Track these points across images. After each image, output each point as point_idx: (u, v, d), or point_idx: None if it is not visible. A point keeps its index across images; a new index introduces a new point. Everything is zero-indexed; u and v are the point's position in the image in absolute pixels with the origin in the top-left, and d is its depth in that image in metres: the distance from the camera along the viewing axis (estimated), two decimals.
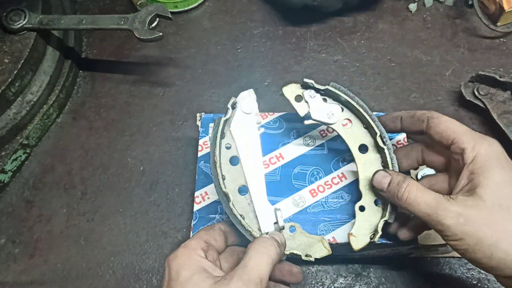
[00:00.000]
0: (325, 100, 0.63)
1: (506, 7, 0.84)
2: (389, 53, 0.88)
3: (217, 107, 0.83)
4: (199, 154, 0.68)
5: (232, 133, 0.59)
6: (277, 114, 0.70)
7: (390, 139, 0.61)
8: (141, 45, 0.90)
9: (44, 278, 0.72)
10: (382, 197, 0.58)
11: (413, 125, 0.57)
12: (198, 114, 0.71)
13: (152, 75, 0.88)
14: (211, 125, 0.69)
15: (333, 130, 0.63)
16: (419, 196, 0.51)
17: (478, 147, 0.51)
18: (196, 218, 0.63)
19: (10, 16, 0.77)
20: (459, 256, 0.69)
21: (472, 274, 0.70)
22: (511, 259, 0.47)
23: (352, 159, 0.64)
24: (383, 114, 0.63)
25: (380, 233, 0.57)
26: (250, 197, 0.58)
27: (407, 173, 0.62)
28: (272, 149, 0.68)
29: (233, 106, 0.59)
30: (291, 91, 0.63)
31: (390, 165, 0.59)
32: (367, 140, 0.62)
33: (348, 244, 0.62)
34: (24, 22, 0.77)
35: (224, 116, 0.58)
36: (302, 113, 0.62)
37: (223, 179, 0.56)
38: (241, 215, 0.55)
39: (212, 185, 0.65)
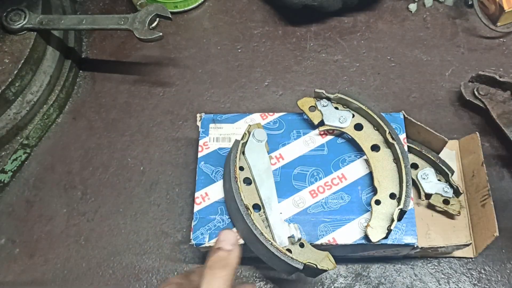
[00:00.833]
0: (336, 108, 0.68)
1: (506, 7, 0.84)
2: (389, 53, 0.88)
3: (217, 107, 0.83)
4: (199, 154, 0.68)
5: (246, 156, 0.65)
6: (277, 115, 0.70)
7: None
8: (141, 45, 0.90)
9: (44, 278, 0.72)
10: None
11: None
12: (198, 115, 0.71)
13: (152, 75, 0.88)
14: (211, 125, 0.69)
15: (346, 133, 0.67)
16: None
17: None
18: (197, 219, 0.63)
19: (10, 16, 0.77)
20: (459, 256, 0.70)
21: (472, 274, 0.70)
22: None
23: (352, 160, 0.66)
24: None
25: (396, 221, 0.59)
26: (264, 214, 0.62)
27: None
28: (272, 149, 0.68)
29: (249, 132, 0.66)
30: (305, 103, 0.69)
31: (400, 158, 0.63)
32: (379, 139, 0.66)
33: (347, 245, 0.62)
34: (24, 22, 0.77)
35: (241, 139, 0.65)
36: (316, 121, 0.68)
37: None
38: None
39: (212, 185, 0.66)
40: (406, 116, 0.69)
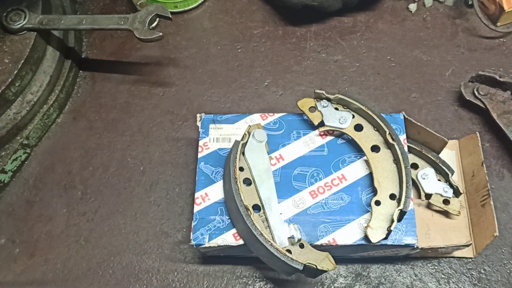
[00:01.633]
0: (336, 109, 0.68)
1: (506, 7, 0.84)
2: (389, 53, 0.88)
3: (217, 107, 0.83)
4: (199, 155, 0.68)
5: (246, 157, 0.65)
6: (277, 115, 0.70)
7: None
8: (141, 45, 0.90)
9: (44, 278, 0.72)
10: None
11: None
12: (198, 115, 0.71)
13: (152, 75, 0.88)
14: (211, 126, 0.70)
15: (346, 134, 0.67)
16: None
17: None
18: (197, 219, 0.63)
19: (10, 16, 0.77)
20: (459, 256, 0.70)
21: (472, 274, 0.70)
22: None
23: (352, 161, 0.66)
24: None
25: (396, 221, 0.59)
26: (264, 215, 0.62)
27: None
28: (272, 150, 0.68)
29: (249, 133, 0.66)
30: (305, 103, 0.69)
31: (401, 159, 0.63)
32: (379, 139, 0.66)
33: (347, 246, 0.62)
34: (24, 22, 0.77)
35: (241, 140, 0.65)
36: (316, 121, 0.68)
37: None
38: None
39: (212, 186, 0.66)
40: (406, 116, 0.69)
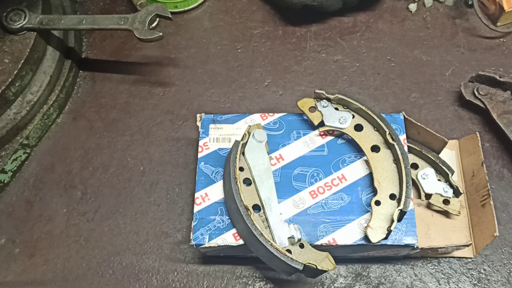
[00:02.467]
0: (336, 109, 0.68)
1: (506, 7, 0.84)
2: (389, 53, 0.88)
3: (217, 107, 0.83)
4: (199, 155, 0.68)
5: (246, 157, 0.65)
6: (277, 115, 0.70)
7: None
8: (141, 45, 0.90)
9: (44, 278, 0.72)
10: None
11: None
12: (198, 115, 0.71)
13: (152, 75, 0.88)
14: (211, 126, 0.70)
15: (346, 134, 0.67)
16: None
17: None
18: (197, 219, 0.63)
19: (10, 16, 0.77)
20: (459, 256, 0.70)
21: (472, 274, 0.70)
22: None
23: (352, 161, 0.66)
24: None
25: (396, 221, 0.59)
26: (264, 215, 0.62)
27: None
28: (272, 150, 0.68)
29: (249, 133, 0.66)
30: (305, 103, 0.69)
31: (401, 159, 0.63)
32: (379, 139, 0.66)
33: (347, 246, 0.62)
34: (24, 22, 0.77)
35: (241, 140, 0.65)
36: (316, 121, 0.68)
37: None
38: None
39: (212, 186, 0.66)
40: (406, 116, 0.69)
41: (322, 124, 0.68)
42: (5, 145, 0.77)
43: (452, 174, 0.70)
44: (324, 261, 0.59)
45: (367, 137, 0.67)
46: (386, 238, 0.61)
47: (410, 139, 0.71)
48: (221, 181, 0.66)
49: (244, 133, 0.65)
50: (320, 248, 0.61)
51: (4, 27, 0.77)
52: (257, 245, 0.59)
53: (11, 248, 0.74)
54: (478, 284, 0.69)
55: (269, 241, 0.58)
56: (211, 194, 0.65)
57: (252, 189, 0.64)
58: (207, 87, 0.86)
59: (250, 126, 0.67)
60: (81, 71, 0.88)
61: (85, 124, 0.83)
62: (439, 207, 0.69)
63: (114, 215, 0.76)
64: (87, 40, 0.92)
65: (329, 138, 0.69)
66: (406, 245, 0.62)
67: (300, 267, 0.57)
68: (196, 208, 0.64)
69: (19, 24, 0.76)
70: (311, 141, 0.68)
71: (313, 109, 0.68)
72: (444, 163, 0.70)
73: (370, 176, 0.65)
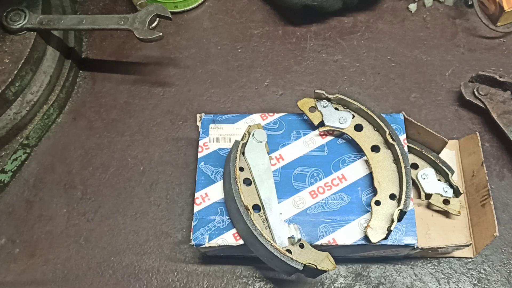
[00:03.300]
0: (336, 109, 0.68)
1: (506, 7, 0.84)
2: (389, 53, 0.88)
3: (217, 107, 0.83)
4: (199, 155, 0.68)
5: (246, 157, 0.65)
6: (277, 115, 0.70)
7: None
8: (141, 45, 0.90)
9: (44, 278, 0.72)
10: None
11: None
12: (198, 115, 0.71)
13: (152, 75, 0.88)
14: (211, 126, 0.70)
15: (346, 134, 0.67)
16: None
17: None
18: (197, 219, 0.63)
19: (10, 16, 0.77)
20: (459, 256, 0.70)
21: (472, 274, 0.70)
22: None
23: (352, 161, 0.66)
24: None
25: (396, 221, 0.59)
26: (264, 215, 0.62)
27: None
28: (272, 150, 0.68)
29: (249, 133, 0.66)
30: (305, 103, 0.69)
31: (401, 159, 0.63)
32: (379, 139, 0.66)
33: (347, 246, 0.62)
34: (24, 22, 0.77)
35: (241, 140, 0.65)
36: (316, 121, 0.68)
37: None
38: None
39: (212, 186, 0.66)
40: (406, 116, 0.69)
41: (322, 124, 0.68)
42: (5, 145, 0.77)
43: (452, 174, 0.70)
44: (324, 261, 0.59)
45: (367, 137, 0.67)
46: (386, 238, 0.61)
47: (410, 139, 0.71)
48: (221, 181, 0.66)
49: (244, 133, 0.65)
50: (320, 248, 0.61)
51: (4, 27, 0.77)
52: (257, 245, 0.59)
53: (11, 248, 0.74)
54: (478, 284, 0.69)
55: (269, 241, 0.58)
56: (211, 194, 0.65)
57: (252, 189, 0.64)
58: (207, 87, 0.86)
59: (250, 126, 0.67)
60: (81, 71, 0.88)
61: (85, 124, 0.83)
62: (439, 207, 0.69)
63: (114, 215, 0.76)
64: (87, 40, 0.92)
65: (329, 138, 0.69)
66: (406, 245, 0.62)
67: (300, 267, 0.57)
68: (196, 208, 0.64)
69: (19, 24, 0.76)
70: (311, 141, 0.68)
71: (313, 109, 0.68)
72: (444, 163, 0.70)
73: (370, 176, 0.65)
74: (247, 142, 0.66)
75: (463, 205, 0.71)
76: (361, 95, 0.83)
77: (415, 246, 0.62)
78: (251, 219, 0.59)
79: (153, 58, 0.89)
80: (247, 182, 0.64)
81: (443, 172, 0.70)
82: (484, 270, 0.70)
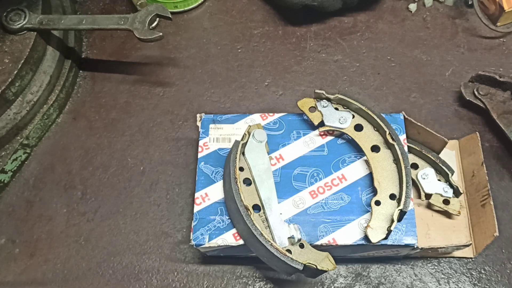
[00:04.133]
0: (336, 109, 0.68)
1: (506, 7, 0.84)
2: (389, 53, 0.88)
3: (217, 107, 0.83)
4: (199, 155, 0.68)
5: (246, 157, 0.65)
6: (277, 115, 0.70)
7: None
8: (141, 45, 0.90)
9: (44, 278, 0.72)
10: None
11: None
12: (198, 115, 0.71)
13: (152, 75, 0.88)
14: (211, 126, 0.70)
15: (346, 134, 0.67)
16: None
17: None
18: (197, 219, 0.63)
19: (10, 16, 0.77)
20: (459, 256, 0.70)
21: (472, 274, 0.70)
22: None
23: (352, 161, 0.66)
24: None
25: (396, 221, 0.59)
26: (264, 215, 0.62)
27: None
28: (272, 150, 0.68)
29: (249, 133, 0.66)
30: (305, 103, 0.69)
31: (401, 159, 0.63)
32: (379, 139, 0.66)
33: (347, 246, 0.62)
34: (24, 22, 0.77)
35: (241, 140, 0.65)
36: (316, 121, 0.68)
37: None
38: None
39: (212, 186, 0.66)
40: (406, 116, 0.69)
41: (322, 124, 0.68)
42: (5, 145, 0.77)
43: (452, 174, 0.70)
44: (324, 261, 0.59)
45: (367, 137, 0.67)
46: (386, 238, 0.61)
47: (410, 139, 0.71)
48: (221, 181, 0.66)
49: (244, 133, 0.65)
50: (320, 248, 0.62)
51: (4, 27, 0.77)
52: (257, 245, 0.59)
53: (11, 248, 0.74)
54: (478, 284, 0.69)
55: (269, 241, 0.58)
56: (211, 194, 0.65)
57: (252, 189, 0.64)
58: (207, 87, 0.86)
59: (250, 126, 0.67)
60: (81, 71, 0.88)
61: (85, 124, 0.83)
62: (439, 207, 0.69)
63: (114, 215, 0.76)
64: (87, 40, 0.92)
65: (329, 138, 0.69)
66: (406, 245, 0.62)
67: (300, 267, 0.57)
68: (196, 208, 0.64)
69: (19, 24, 0.76)
70: (311, 141, 0.68)
71: (313, 109, 0.68)
72: (444, 163, 0.70)
73: (370, 176, 0.65)
74: (247, 142, 0.66)
75: (463, 205, 0.71)
76: (361, 95, 0.83)
77: (415, 246, 0.62)
78: (251, 219, 0.59)
79: (153, 58, 0.89)
80: (247, 182, 0.64)
81: (443, 172, 0.70)
82: (484, 270, 0.70)
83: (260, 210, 0.63)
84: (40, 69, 0.80)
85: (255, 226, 0.59)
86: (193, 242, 0.62)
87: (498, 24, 0.87)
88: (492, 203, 0.66)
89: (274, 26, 0.91)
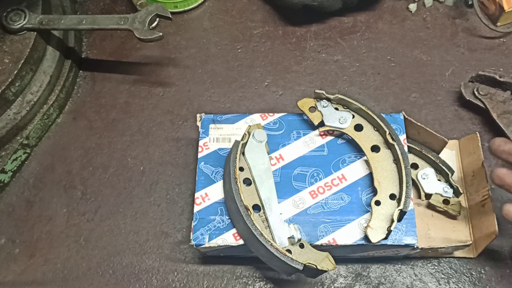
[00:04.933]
0: (336, 109, 0.68)
1: (506, 7, 0.84)
2: (389, 53, 0.88)
3: (217, 107, 0.83)
4: (199, 155, 0.68)
5: (246, 157, 0.65)
6: (277, 115, 0.70)
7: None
8: (141, 45, 0.90)
9: (44, 278, 0.72)
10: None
11: None
12: (198, 115, 0.71)
13: (152, 75, 0.88)
14: (211, 126, 0.70)
15: (346, 134, 0.67)
16: None
17: None
18: (197, 219, 0.63)
19: (10, 16, 0.77)
20: (459, 256, 0.70)
21: (472, 274, 0.70)
22: None
23: (352, 161, 0.66)
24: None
25: (396, 221, 0.60)
26: (264, 215, 0.62)
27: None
28: (272, 150, 0.68)
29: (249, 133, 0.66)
30: (305, 103, 0.69)
31: (401, 159, 0.63)
32: (379, 139, 0.66)
33: (347, 246, 0.62)
34: (24, 22, 0.77)
35: (241, 140, 0.65)
36: (316, 121, 0.68)
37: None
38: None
39: (212, 186, 0.66)
40: (406, 116, 0.69)
41: (322, 124, 0.68)
42: (5, 145, 0.77)
43: (452, 174, 0.70)
44: (324, 261, 0.59)
45: (367, 137, 0.67)
46: (386, 238, 0.61)
47: (410, 139, 0.71)
48: (221, 181, 0.66)
49: (244, 133, 0.65)
50: (320, 248, 0.62)
51: (4, 27, 0.77)
52: (257, 245, 0.59)
53: (11, 248, 0.74)
54: (478, 284, 0.69)
55: (269, 241, 0.58)
56: (211, 194, 0.65)
57: (252, 189, 0.64)
58: (207, 87, 0.86)
59: (250, 126, 0.67)
60: (81, 71, 0.88)
61: (85, 124, 0.83)
62: (439, 207, 0.69)
63: (114, 215, 0.76)
64: (87, 40, 0.92)
65: (329, 138, 0.69)
66: (406, 245, 0.62)
67: (300, 267, 0.57)
68: (196, 208, 0.64)
69: (19, 24, 0.76)
70: (311, 141, 0.68)
71: (313, 109, 0.68)
72: (444, 163, 0.70)
73: (370, 176, 0.65)
74: (247, 142, 0.66)
75: (463, 205, 0.71)
76: (361, 95, 0.83)
77: (415, 246, 0.62)
78: (251, 219, 0.59)
79: (153, 58, 0.89)
80: (247, 182, 0.64)
81: (443, 172, 0.70)
82: (484, 270, 0.70)
83: (260, 210, 0.63)
84: (40, 69, 0.80)
85: (255, 226, 0.59)
86: (193, 242, 0.62)
87: (498, 24, 0.87)
88: (492, 203, 0.66)
89: (274, 26, 0.91)
